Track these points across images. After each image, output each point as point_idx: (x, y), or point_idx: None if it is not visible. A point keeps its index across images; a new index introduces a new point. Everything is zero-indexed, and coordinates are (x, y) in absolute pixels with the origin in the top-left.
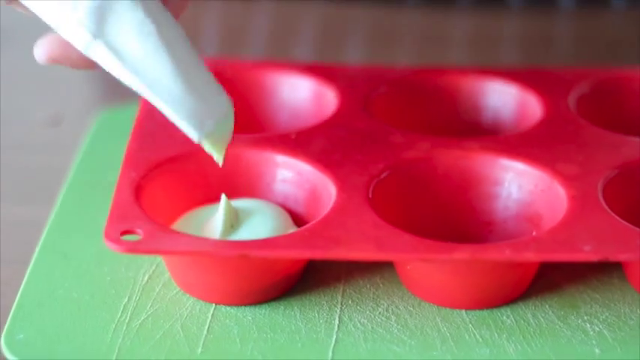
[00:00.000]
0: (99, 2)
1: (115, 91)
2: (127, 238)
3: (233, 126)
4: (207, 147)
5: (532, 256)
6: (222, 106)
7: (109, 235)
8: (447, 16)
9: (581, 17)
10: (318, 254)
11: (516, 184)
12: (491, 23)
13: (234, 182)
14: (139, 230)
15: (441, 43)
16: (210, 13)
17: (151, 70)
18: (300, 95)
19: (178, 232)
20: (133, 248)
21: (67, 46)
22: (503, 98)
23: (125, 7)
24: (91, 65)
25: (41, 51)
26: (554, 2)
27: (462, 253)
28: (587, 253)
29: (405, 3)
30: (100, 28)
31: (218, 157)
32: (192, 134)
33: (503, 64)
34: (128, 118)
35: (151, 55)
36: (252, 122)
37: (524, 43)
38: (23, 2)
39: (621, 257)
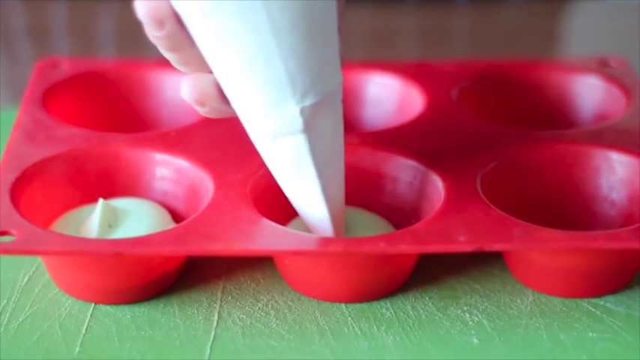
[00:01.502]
0: (323, 98)
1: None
2: (2, 239)
3: None
4: None
5: (406, 248)
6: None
7: None
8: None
9: (478, 11)
10: (193, 251)
11: (396, 176)
12: (390, 18)
13: (114, 181)
14: (14, 231)
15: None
16: (105, 14)
17: (329, 172)
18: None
19: (54, 233)
20: (7, 249)
21: (212, 92)
22: (384, 91)
23: (336, 107)
24: (223, 116)
25: (189, 90)
26: None
27: (336, 247)
28: (461, 243)
29: None
30: (310, 123)
31: None
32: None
33: (402, 57)
34: (12, 120)
35: (335, 158)
36: (135, 121)
37: (422, 37)
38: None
39: (496, 247)
